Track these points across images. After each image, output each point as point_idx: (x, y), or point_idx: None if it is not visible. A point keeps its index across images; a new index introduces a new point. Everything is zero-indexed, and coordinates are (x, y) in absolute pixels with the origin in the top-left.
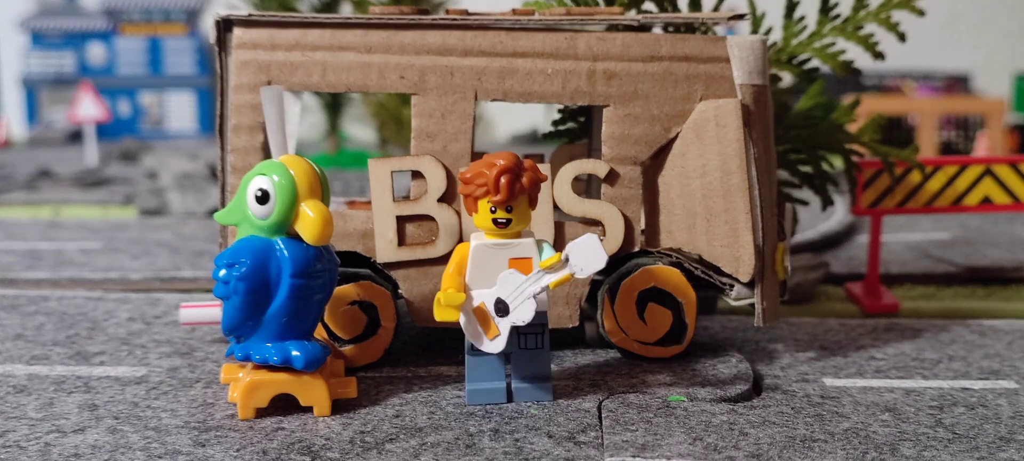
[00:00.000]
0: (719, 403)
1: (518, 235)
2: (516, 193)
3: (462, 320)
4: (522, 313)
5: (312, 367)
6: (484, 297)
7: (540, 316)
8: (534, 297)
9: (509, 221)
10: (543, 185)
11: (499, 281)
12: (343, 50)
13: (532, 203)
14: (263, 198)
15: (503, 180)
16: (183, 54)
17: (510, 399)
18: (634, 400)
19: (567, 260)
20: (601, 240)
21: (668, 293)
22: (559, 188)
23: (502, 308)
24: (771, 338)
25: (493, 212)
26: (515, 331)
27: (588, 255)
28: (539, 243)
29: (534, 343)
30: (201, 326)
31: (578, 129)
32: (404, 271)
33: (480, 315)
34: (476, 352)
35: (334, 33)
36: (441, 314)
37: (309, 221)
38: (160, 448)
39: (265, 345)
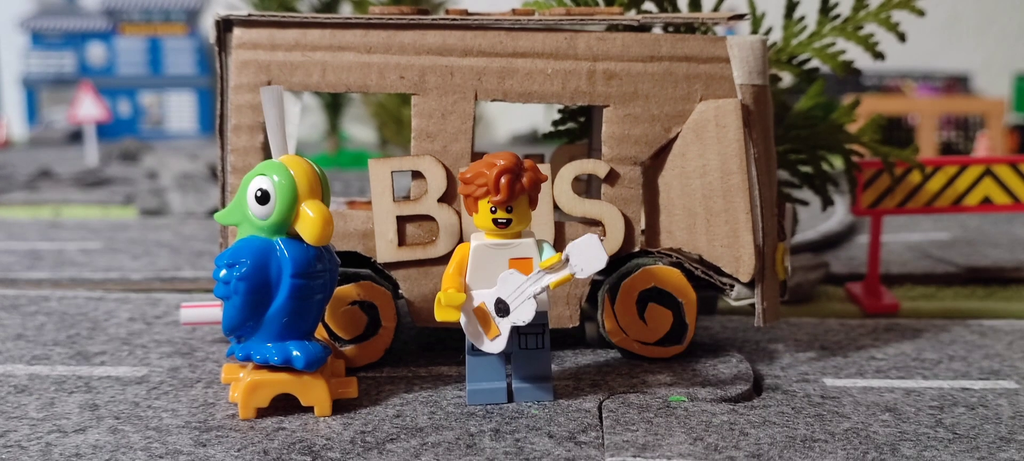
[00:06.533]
0: (719, 403)
1: (518, 235)
2: (516, 193)
3: (462, 320)
4: (522, 313)
5: (312, 367)
6: (484, 297)
7: (540, 316)
8: (534, 297)
9: (509, 221)
10: (543, 185)
11: (499, 281)
12: (343, 50)
13: (532, 203)
14: (263, 198)
15: (503, 180)
16: (183, 54)
17: (510, 399)
18: (634, 400)
19: (567, 260)
20: (601, 240)
21: (668, 293)
22: (559, 188)
23: (502, 308)
24: (771, 338)
25: (493, 212)
26: (515, 331)
27: (588, 255)
28: (539, 243)
29: (534, 343)
30: (202, 326)
31: (578, 129)
32: (404, 271)
33: (480, 315)
34: (477, 352)
35: (334, 33)
36: (442, 314)
37: (309, 221)
38: (161, 448)
39: (266, 345)
